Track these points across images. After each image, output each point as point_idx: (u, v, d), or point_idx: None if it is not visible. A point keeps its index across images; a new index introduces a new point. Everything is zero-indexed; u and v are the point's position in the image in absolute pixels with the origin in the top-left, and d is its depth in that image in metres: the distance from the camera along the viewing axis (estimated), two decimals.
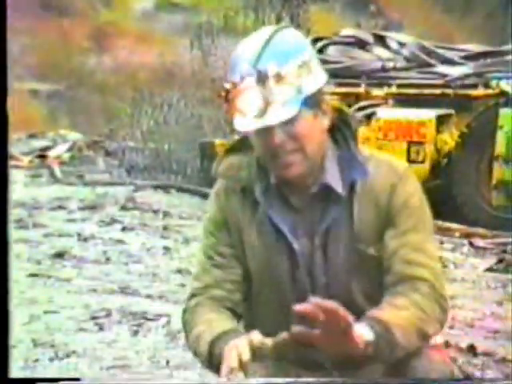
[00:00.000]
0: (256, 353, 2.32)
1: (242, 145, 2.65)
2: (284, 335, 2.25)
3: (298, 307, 2.15)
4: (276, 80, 2.41)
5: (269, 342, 2.30)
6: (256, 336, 2.32)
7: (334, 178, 2.51)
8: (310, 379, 2.37)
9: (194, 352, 2.56)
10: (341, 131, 2.57)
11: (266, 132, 2.42)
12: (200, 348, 2.48)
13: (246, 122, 2.42)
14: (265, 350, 2.31)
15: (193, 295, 2.61)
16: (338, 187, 2.50)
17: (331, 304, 2.16)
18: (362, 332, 2.25)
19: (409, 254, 2.47)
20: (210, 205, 2.65)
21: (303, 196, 2.54)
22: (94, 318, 5.29)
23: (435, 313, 2.44)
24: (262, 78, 2.41)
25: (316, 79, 2.47)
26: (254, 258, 2.56)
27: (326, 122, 2.50)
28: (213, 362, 2.43)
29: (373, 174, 2.51)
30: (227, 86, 2.51)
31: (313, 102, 2.45)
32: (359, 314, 2.33)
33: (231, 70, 2.50)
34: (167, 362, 4.58)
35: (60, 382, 2.44)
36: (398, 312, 2.37)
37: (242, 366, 2.30)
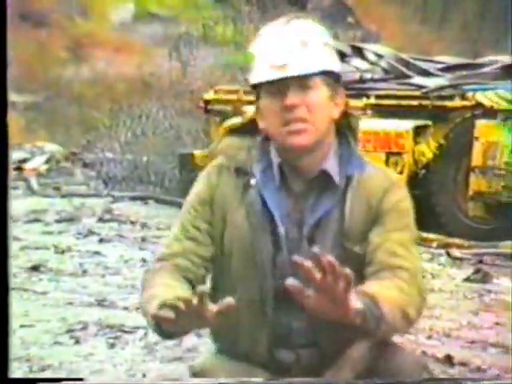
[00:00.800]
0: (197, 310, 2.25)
1: (244, 127, 2.74)
2: (229, 300, 2.22)
3: (297, 258, 2.15)
4: (302, 45, 2.49)
5: (214, 307, 2.24)
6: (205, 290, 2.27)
7: (333, 168, 2.55)
8: (306, 379, 2.32)
9: (143, 311, 2.54)
10: (344, 129, 2.62)
11: (282, 91, 2.47)
12: (151, 308, 2.43)
13: (269, 72, 2.49)
14: (208, 313, 2.24)
15: (159, 259, 2.63)
16: (336, 176, 2.54)
17: (333, 260, 2.15)
18: (352, 300, 2.24)
19: (393, 247, 2.50)
20: (199, 181, 2.67)
21: (302, 180, 2.57)
22: (70, 331, 5.24)
23: (416, 298, 2.46)
24: (290, 37, 2.51)
25: (335, 64, 2.56)
26: (236, 237, 2.57)
27: (336, 113, 2.56)
28: (159, 324, 2.39)
29: (368, 175, 2.56)
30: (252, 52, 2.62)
31: (331, 82, 2.53)
32: None
33: (257, 41, 2.62)
34: (144, 375, 4.52)
35: (62, 382, 2.47)
36: (384, 290, 2.37)
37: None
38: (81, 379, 2.53)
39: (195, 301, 2.22)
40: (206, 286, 2.35)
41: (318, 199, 2.55)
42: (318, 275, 2.14)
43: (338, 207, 2.54)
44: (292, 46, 2.49)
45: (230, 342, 2.63)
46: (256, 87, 2.59)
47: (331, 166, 2.55)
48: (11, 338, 2.31)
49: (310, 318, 2.47)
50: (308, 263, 2.14)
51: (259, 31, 2.68)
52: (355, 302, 2.24)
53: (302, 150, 2.51)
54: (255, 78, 2.55)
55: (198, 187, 2.65)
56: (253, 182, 2.56)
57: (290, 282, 2.18)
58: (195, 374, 2.69)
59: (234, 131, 2.28)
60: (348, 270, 2.19)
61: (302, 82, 2.48)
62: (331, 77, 2.53)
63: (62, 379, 2.42)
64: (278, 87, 2.48)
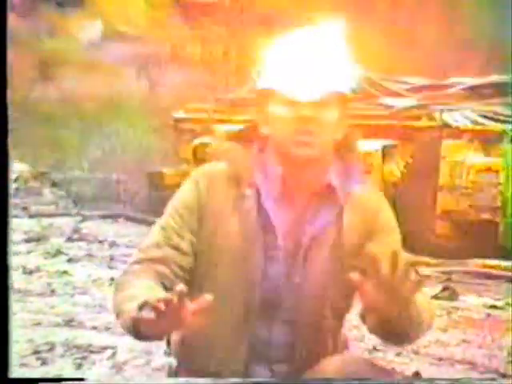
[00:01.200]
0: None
1: (243, 135, 2.68)
2: (206, 297, 2.21)
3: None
4: (328, 58, 2.55)
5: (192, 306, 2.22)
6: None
7: (337, 182, 2.56)
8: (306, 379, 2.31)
9: (118, 312, 2.51)
10: (346, 147, 2.63)
11: (298, 105, 2.47)
12: (129, 308, 2.39)
13: (293, 86, 2.49)
14: (186, 312, 2.22)
15: (136, 262, 2.58)
16: (340, 191, 2.55)
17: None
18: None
19: None
20: (186, 187, 2.63)
21: (304, 192, 2.56)
22: (36, 352, 5.20)
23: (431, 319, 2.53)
24: (311, 55, 2.53)
25: (345, 83, 2.57)
26: (226, 248, 2.53)
27: (339, 135, 2.57)
28: (137, 326, 2.36)
29: (364, 187, 2.62)
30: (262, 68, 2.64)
31: (339, 104, 2.54)
32: (321, 323, 2.41)
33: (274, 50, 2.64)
34: None
35: (63, 381, 2.49)
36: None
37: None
38: (82, 379, 2.47)
39: (175, 299, 2.19)
40: (184, 286, 2.24)
41: (317, 212, 2.56)
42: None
43: (335, 221, 2.55)
44: (316, 60, 2.53)
45: (202, 355, 2.58)
46: (264, 91, 2.59)
47: (335, 180, 2.56)
48: (11, 337, 2.31)
49: (290, 333, 2.53)
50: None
51: (279, 39, 2.70)
52: (413, 306, 2.31)
53: (307, 161, 2.51)
54: (273, 82, 2.54)
55: (185, 193, 2.61)
56: (248, 192, 2.54)
57: (354, 275, 2.23)
58: None
59: (232, 137, 2.27)
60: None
61: (315, 102, 2.49)
62: (344, 98, 2.56)
63: (63, 379, 2.34)
64: (297, 102, 2.49)
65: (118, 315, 2.51)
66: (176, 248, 2.53)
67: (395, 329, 2.36)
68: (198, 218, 2.55)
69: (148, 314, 2.26)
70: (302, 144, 2.48)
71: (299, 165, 2.52)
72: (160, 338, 2.48)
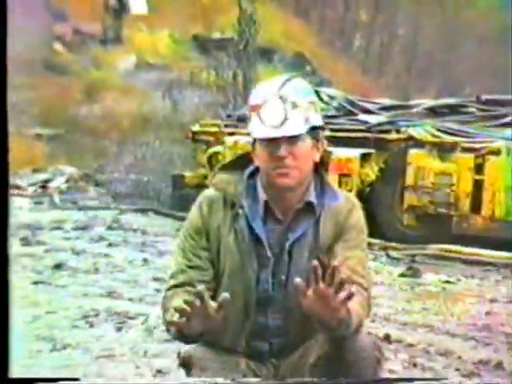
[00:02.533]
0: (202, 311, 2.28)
1: (233, 164, 2.67)
2: (225, 295, 2.29)
3: (315, 262, 2.22)
4: (292, 106, 2.45)
5: (213, 304, 2.28)
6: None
7: (314, 199, 2.54)
8: (306, 379, 2.24)
9: (168, 325, 2.49)
10: (321, 168, 2.60)
11: (275, 145, 2.44)
12: (166, 317, 2.47)
13: (265, 130, 2.45)
14: (210, 310, 2.27)
15: (170, 289, 2.57)
16: (318, 206, 2.53)
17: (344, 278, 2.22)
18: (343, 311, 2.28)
19: (354, 264, 2.49)
20: (193, 212, 2.61)
21: (285, 210, 2.54)
22: (85, 317, 5.23)
23: (366, 312, 2.48)
24: (283, 100, 2.45)
25: (318, 118, 2.52)
26: (228, 259, 2.53)
27: (317, 156, 2.54)
28: (172, 328, 2.44)
29: (337, 200, 2.57)
30: (249, 106, 2.56)
31: (314, 136, 2.50)
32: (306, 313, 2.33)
33: (254, 97, 2.52)
34: (145, 353, 4.50)
35: (59, 381, 2.15)
36: (355, 306, 2.35)
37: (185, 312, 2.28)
38: (77, 379, 2.28)
39: (197, 302, 2.24)
40: (202, 287, 2.32)
41: (297, 222, 2.55)
42: (320, 287, 2.19)
43: (313, 227, 2.54)
44: (285, 107, 2.44)
45: (218, 334, 2.56)
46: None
47: (314, 198, 2.54)
48: (11, 337, 2.10)
49: (283, 318, 2.54)
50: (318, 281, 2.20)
51: (255, 89, 2.62)
52: (343, 313, 2.26)
53: (286, 189, 2.50)
54: (256, 133, 2.50)
55: (192, 218, 2.60)
56: (240, 212, 2.54)
57: (298, 281, 2.23)
58: (184, 360, 2.62)
59: (224, 167, 2.24)
60: (353, 288, 2.27)
61: (291, 137, 2.45)
62: (315, 129, 2.50)
63: (59, 379, 2.11)
64: (272, 141, 2.45)
65: (169, 330, 2.53)
66: (197, 268, 2.54)
67: (327, 326, 2.33)
68: (205, 236, 2.56)
69: (179, 319, 2.31)
70: (282, 176, 2.47)
71: (281, 192, 2.51)
72: (199, 336, 2.43)
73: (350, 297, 2.22)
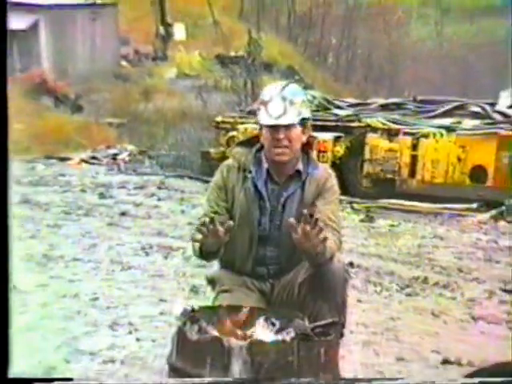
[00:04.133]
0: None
1: (246, 142, 2.66)
2: (230, 222, 2.32)
3: (292, 220, 2.23)
4: (289, 103, 2.43)
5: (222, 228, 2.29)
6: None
7: (301, 168, 2.53)
8: (306, 379, 2.06)
9: (193, 242, 2.46)
10: (307, 147, 2.57)
11: (275, 130, 2.43)
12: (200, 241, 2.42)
13: (268, 119, 2.44)
14: (220, 232, 2.29)
15: (198, 224, 2.54)
16: (304, 173, 2.52)
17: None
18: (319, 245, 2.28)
19: (329, 214, 2.47)
20: (216, 175, 2.61)
21: (280, 175, 2.53)
22: (142, 248, 5.21)
23: (337, 245, 2.43)
24: (283, 99, 2.43)
25: (307, 112, 2.51)
26: (239, 208, 2.51)
27: (304, 138, 2.52)
28: (196, 244, 2.41)
29: (318, 170, 2.55)
30: (260, 100, 2.54)
31: (303, 124, 2.48)
32: (293, 244, 2.29)
33: (263, 95, 2.51)
34: (184, 274, 4.50)
35: (54, 381, 1.87)
36: (330, 242, 2.34)
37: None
38: (71, 379, 1.98)
39: (210, 225, 2.27)
40: (215, 216, 2.37)
41: (289, 184, 2.53)
42: (306, 227, 2.19)
43: (300, 188, 2.52)
44: (285, 104, 2.43)
45: (230, 262, 2.57)
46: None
47: (301, 167, 2.53)
48: (11, 338, 1.72)
49: (277, 250, 2.51)
50: (301, 224, 2.19)
51: (263, 90, 2.59)
52: (321, 247, 2.26)
53: (282, 161, 2.48)
54: (263, 121, 2.48)
55: (215, 179, 2.59)
56: (249, 175, 2.52)
57: (292, 220, 2.23)
58: (209, 279, 2.66)
59: (240, 143, 2.19)
60: (328, 231, 2.30)
61: (287, 125, 2.44)
62: (304, 119, 2.49)
63: (54, 379, 1.85)
64: (273, 127, 2.44)
65: (193, 251, 2.51)
66: (216, 212, 2.49)
67: (309, 255, 2.32)
68: (224, 191, 2.53)
69: (200, 236, 2.32)
70: (279, 154, 2.46)
71: (278, 164, 2.50)
72: (214, 253, 2.44)
73: (325, 239, 2.23)
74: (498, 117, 8.26)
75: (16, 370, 2.73)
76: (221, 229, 2.27)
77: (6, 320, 1.54)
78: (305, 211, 2.24)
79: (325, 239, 2.22)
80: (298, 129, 2.46)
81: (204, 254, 2.43)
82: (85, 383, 2.47)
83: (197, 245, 2.40)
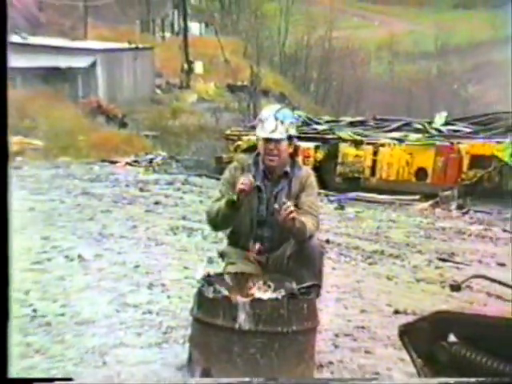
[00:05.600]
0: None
1: (247, 150, 2.72)
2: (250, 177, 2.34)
3: (276, 206, 2.29)
4: (280, 123, 2.40)
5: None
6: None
7: (289, 170, 2.49)
8: (307, 379, 2.04)
9: (212, 215, 2.42)
10: (294, 154, 2.54)
11: (268, 142, 2.42)
12: (218, 208, 2.40)
13: (264, 133, 2.42)
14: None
15: (212, 201, 2.55)
16: (291, 174, 2.49)
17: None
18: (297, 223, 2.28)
19: (310, 203, 2.44)
20: (226, 173, 2.57)
21: (274, 175, 2.50)
22: (171, 229, 5.10)
23: (315, 227, 2.41)
24: (276, 119, 2.41)
25: (294, 131, 2.47)
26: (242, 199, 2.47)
27: (291, 149, 2.49)
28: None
29: (301, 171, 2.52)
30: (258, 119, 2.50)
31: (289, 139, 2.45)
32: (283, 226, 2.29)
33: (261, 115, 2.49)
34: (202, 248, 4.42)
35: (55, 382, 1.52)
36: (308, 222, 2.34)
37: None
38: (70, 379, 1.63)
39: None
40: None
41: (279, 181, 2.49)
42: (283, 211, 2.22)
43: (287, 184, 2.48)
44: (276, 123, 2.41)
45: (235, 240, 2.54)
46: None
47: (288, 170, 2.49)
48: (11, 338, 1.20)
49: (271, 231, 2.46)
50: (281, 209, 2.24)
51: (261, 111, 2.56)
52: (297, 225, 2.26)
53: (273, 167, 2.46)
54: (260, 135, 2.46)
55: (225, 175, 2.55)
56: (250, 174, 2.47)
57: (276, 207, 2.28)
58: (220, 253, 2.61)
59: (243, 151, 2.13)
60: (308, 216, 2.33)
61: (277, 139, 2.42)
62: (291, 136, 2.46)
63: (54, 379, 1.48)
64: (267, 140, 2.42)
65: (210, 218, 2.48)
66: (224, 197, 2.46)
67: (292, 234, 2.33)
68: (232, 185, 2.47)
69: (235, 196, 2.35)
70: (270, 160, 2.44)
71: (270, 167, 2.47)
72: (229, 224, 2.47)
73: (294, 219, 2.24)
74: (434, 132, 8.38)
75: (84, 316, 2.70)
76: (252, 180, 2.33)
77: (5, 320, 1.10)
78: (284, 200, 2.26)
79: (293, 219, 2.24)
80: (286, 143, 2.43)
81: (220, 223, 2.44)
82: (86, 383, 2.07)
83: (222, 213, 2.38)
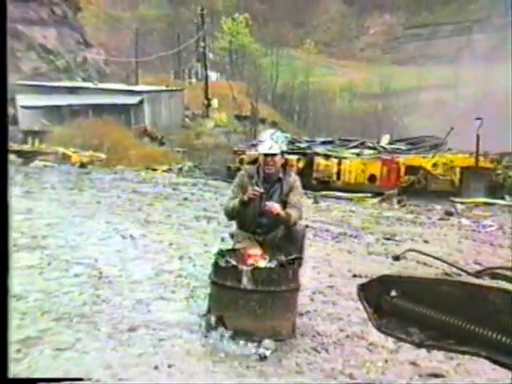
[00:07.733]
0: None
1: (251, 162, 2.56)
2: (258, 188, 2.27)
3: (268, 203, 2.22)
4: (275, 142, 2.35)
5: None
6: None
7: (282, 176, 2.43)
8: (307, 379, 1.82)
9: (228, 209, 2.36)
10: (285, 164, 2.48)
11: (266, 156, 2.36)
12: (233, 205, 2.36)
13: (263, 150, 2.36)
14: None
15: (228, 203, 2.47)
16: (283, 179, 2.42)
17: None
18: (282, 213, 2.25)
19: (296, 200, 2.39)
20: (236, 179, 2.50)
21: (271, 180, 2.43)
22: (196, 218, 4.93)
23: (299, 216, 2.37)
24: (272, 140, 2.34)
25: (285, 148, 2.42)
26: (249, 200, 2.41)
27: (283, 161, 2.43)
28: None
29: (290, 176, 2.45)
30: (258, 140, 2.47)
31: (282, 154, 2.40)
32: (277, 219, 2.28)
33: (260, 137, 2.44)
34: (218, 231, 4.28)
35: (62, 382, 1.09)
36: (293, 212, 2.30)
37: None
38: (81, 379, 1.24)
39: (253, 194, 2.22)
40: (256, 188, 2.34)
41: (274, 184, 2.44)
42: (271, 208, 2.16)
43: (280, 186, 2.43)
44: (272, 143, 2.37)
45: (242, 225, 2.48)
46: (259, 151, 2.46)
47: (281, 176, 2.44)
48: (11, 338, 0.80)
49: (268, 219, 2.39)
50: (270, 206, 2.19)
51: (260, 134, 2.53)
52: (283, 215, 2.23)
53: (270, 174, 2.41)
54: (260, 151, 2.41)
55: (236, 180, 2.50)
56: (253, 180, 2.43)
57: (267, 203, 2.22)
58: (231, 234, 2.56)
59: (248, 163, 2.10)
60: (294, 209, 2.26)
61: (272, 154, 2.37)
62: (283, 152, 2.42)
63: (62, 379, 1.01)
64: (265, 155, 2.37)
65: (225, 212, 2.43)
66: (236, 198, 2.41)
67: (281, 222, 2.30)
68: (241, 187, 2.43)
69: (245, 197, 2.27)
70: (268, 169, 2.39)
71: (268, 174, 2.41)
72: (238, 216, 2.41)
73: (278, 214, 2.22)
74: (381, 149, 8.57)
75: (135, 277, 2.62)
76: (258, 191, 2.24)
77: (5, 320, 0.78)
78: (270, 202, 2.24)
79: (278, 214, 2.22)
80: (279, 157, 2.41)
81: (233, 215, 2.40)
82: (93, 383, 1.50)
83: (235, 209, 2.33)
